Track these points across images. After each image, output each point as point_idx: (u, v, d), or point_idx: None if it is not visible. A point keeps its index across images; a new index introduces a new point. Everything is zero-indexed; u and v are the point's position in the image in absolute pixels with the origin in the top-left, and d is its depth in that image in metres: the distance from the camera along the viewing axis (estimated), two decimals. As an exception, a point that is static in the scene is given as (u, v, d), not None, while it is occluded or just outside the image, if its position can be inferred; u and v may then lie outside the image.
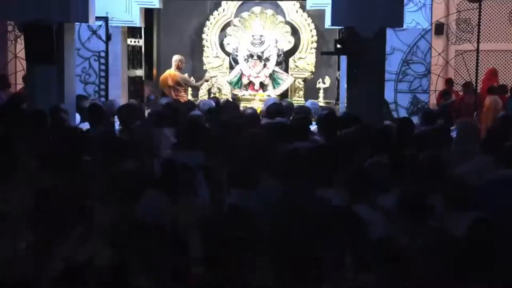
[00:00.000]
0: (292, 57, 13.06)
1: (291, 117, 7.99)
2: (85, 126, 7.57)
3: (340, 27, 9.20)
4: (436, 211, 4.41)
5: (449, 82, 13.37)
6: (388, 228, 4.25)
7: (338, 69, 11.76)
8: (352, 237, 3.84)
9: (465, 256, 3.70)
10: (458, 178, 4.99)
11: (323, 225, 3.93)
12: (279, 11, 13.09)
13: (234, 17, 13.13)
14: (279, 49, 12.86)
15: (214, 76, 12.99)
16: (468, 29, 12.34)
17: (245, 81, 12.86)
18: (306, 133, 6.69)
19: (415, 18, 11.07)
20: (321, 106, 10.28)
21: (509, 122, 7.76)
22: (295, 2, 12.97)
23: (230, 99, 11.30)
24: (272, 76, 12.85)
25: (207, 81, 12.84)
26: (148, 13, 12.49)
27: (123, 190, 4.52)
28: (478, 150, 6.20)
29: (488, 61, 15.20)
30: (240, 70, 12.90)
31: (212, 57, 13.18)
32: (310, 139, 6.56)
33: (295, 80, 12.98)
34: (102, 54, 11.22)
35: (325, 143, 6.29)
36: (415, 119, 8.24)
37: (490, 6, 14.99)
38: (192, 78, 12.82)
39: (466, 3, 12.45)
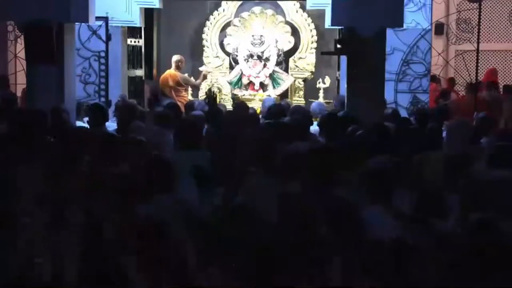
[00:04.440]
0: (292, 57, 13.06)
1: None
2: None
3: (340, 27, 9.20)
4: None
5: (451, 81, 13.39)
6: (399, 229, 4.19)
7: (338, 69, 11.75)
8: (352, 238, 3.81)
9: (467, 258, 3.66)
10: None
11: (325, 226, 3.91)
12: (279, 11, 13.08)
13: (234, 17, 13.13)
14: (279, 49, 12.86)
15: (210, 72, 12.93)
16: (468, 29, 12.35)
17: (245, 81, 12.87)
18: (305, 133, 6.67)
19: (415, 18, 11.06)
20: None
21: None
22: (295, 2, 12.97)
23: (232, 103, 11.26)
24: (272, 76, 12.86)
25: (205, 76, 12.81)
26: (148, 13, 12.48)
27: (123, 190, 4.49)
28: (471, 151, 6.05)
29: (488, 61, 15.22)
30: (240, 70, 12.90)
31: (212, 57, 13.18)
32: (310, 139, 6.53)
33: (295, 80, 12.98)
34: (102, 54, 11.20)
35: (327, 144, 6.27)
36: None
37: (490, 6, 15.00)
38: (192, 78, 12.82)
39: (466, 3, 12.45)
